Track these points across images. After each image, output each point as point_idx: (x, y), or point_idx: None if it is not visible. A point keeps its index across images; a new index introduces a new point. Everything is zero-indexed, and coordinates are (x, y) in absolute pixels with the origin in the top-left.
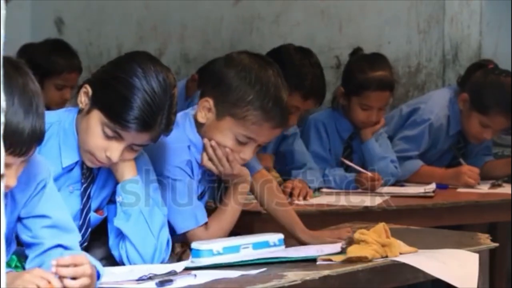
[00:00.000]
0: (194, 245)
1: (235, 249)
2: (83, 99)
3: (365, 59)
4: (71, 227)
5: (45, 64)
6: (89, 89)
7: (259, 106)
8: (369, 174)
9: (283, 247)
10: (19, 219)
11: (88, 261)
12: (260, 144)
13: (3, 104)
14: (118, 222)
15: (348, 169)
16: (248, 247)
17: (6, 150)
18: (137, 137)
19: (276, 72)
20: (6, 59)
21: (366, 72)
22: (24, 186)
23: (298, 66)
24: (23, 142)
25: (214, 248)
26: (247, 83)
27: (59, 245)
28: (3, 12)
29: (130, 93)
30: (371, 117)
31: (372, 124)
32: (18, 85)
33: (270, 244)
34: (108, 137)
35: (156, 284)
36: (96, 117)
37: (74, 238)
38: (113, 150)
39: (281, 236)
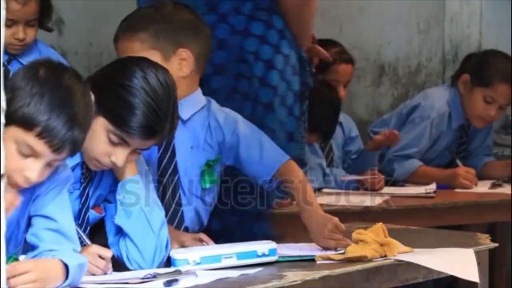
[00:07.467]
0: (171, 252)
1: (215, 259)
2: None
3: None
4: (73, 236)
5: None
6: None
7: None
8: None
9: (275, 258)
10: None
11: (31, 269)
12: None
13: (3, 104)
14: (119, 220)
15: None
16: (231, 257)
17: (43, 138)
18: (143, 143)
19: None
20: (73, 71)
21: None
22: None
23: (315, 101)
24: (60, 138)
25: (190, 257)
26: None
27: (52, 250)
28: (3, 12)
29: (134, 99)
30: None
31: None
32: (77, 95)
33: (258, 254)
34: (113, 144)
35: (164, 284)
36: (101, 124)
37: (71, 246)
38: (119, 155)
39: (273, 245)
